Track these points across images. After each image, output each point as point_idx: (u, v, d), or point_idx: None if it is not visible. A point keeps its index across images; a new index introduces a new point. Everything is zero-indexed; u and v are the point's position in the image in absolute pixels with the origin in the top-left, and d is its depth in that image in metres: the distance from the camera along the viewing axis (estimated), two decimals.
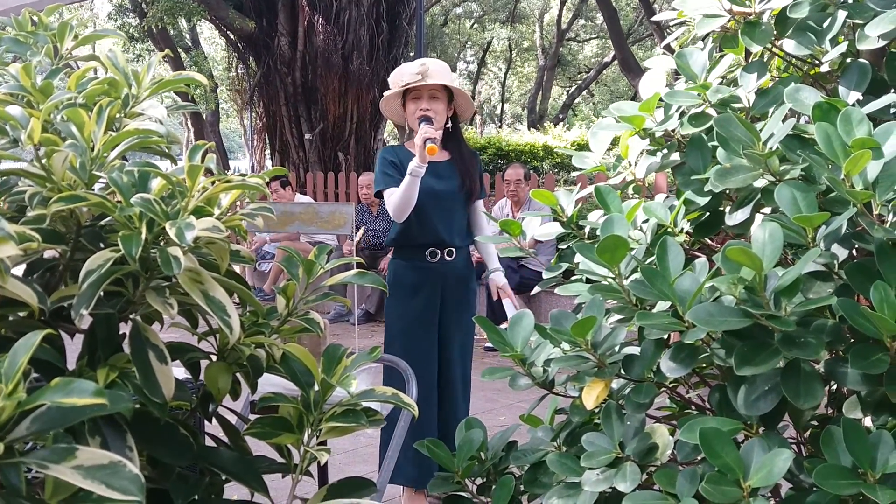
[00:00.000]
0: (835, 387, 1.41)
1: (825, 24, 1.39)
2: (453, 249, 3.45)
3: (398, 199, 3.28)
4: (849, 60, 1.41)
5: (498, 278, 3.59)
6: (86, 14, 20.45)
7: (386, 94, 3.43)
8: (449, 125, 3.44)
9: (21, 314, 1.08)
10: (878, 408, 1.20)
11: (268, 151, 13.53)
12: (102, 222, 1.15)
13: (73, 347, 1.12)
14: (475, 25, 26.42)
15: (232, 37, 13.19)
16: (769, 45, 1.46)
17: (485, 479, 1.54)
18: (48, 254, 1.15)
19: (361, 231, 8.21)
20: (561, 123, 19.53)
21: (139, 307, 1.12)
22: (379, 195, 3.45)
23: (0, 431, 0.82)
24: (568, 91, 27.66)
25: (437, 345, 3.47)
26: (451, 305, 3.47)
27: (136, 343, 1.06)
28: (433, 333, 3.45)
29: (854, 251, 1.26)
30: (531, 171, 8.87)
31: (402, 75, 3.36)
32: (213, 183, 1.13)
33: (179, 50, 16.35)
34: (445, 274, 3.45)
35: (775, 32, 1.43)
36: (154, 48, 15.26)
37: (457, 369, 3.49)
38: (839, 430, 1.12)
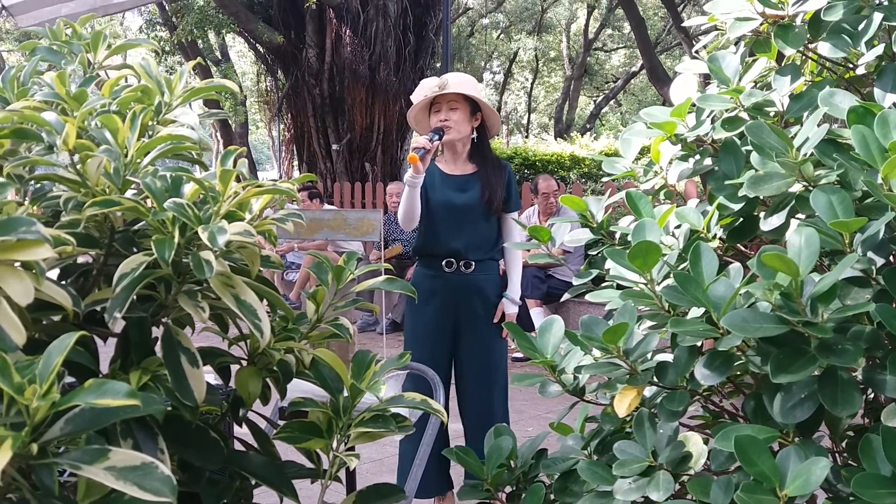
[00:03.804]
0: (872, 395, 1.38)
1: (860, 27, 1.37)
2: (472, 262, 3.40)
3: (400, 210, 3.34)
4: (884, 63, 1.39)
5: (508, 307, 3.45)
6: (118, 27, 20.76)
7: (410, 109, 3.46)
8: (475, 136, 3.43)
9: (55, 318, 1.09)
10: None
11: (295, 162, 13.63)
12: (136, 227, 1.16)
13: (106, 352, 1.13)
14: (501, 36, 26.46)
15: (261, 49, 13.33)
16: (802, 49, 1.44)
17: (514, 488, 1.53)
18: (81, 258, 1.16)
19: (398, 247, 8.25)
20: (588, 133, 19.48)
21: (171, 311, 1.12)
22: None
23: (34, 432, 0.83)
24: (595, 101, 27.59)
25: (451, 356, 3.44)
26: (468, 318, 3.40)
27: (167, 346, 1.07)
28: (444, 343, 3.42)
29: (893, 257, 1.24)
30: (559, 181, 8.86)
31: (423, 90, 3.39)
32: (244, 188, 1.13)
33: (209, 63, 16.55)
34: (460, 285, 3.41)
35: (809, 35, 1.41)
36: (184, 61, 15.45)
37: (471, 383, 3.43)
38: (878, 439, 1.10)
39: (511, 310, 3.46)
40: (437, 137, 3.25)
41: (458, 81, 3.37)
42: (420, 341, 3.43)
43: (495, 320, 3.44)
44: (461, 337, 3.43)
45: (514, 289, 3.50)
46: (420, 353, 3.37)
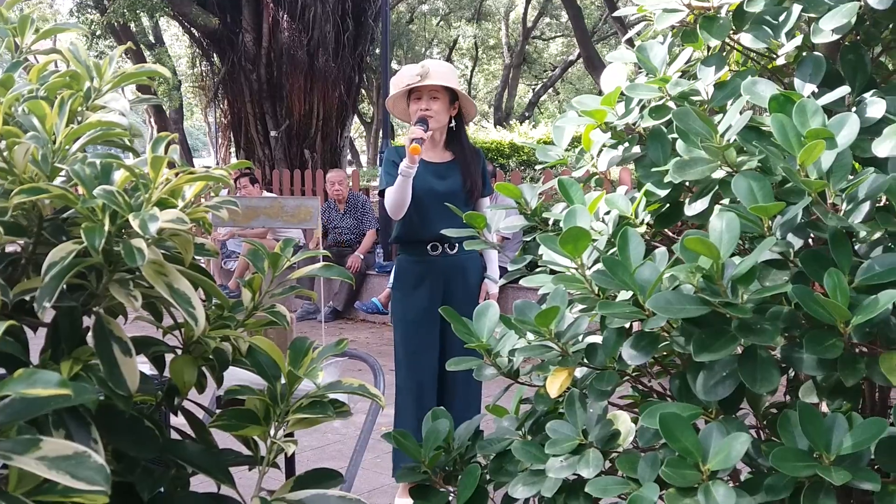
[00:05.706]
0: (793, 374, 1.44)
1: (781, 18, 1.42)
2: (455, 244, 3.49)
3: (391, 199, 3.38)
4: (804, 54, 1.44)
5: (490, 287, 3.61)
6: (47, 10, 20.12)
7: (389, 96, 3.47)
8: (453, 125, 3.48)
9: None
10: (833, 392, 1.24)
11: (233, 149, 13.43)
12: (65, 215, 1.15)
13: (37, 342, 1.11)
14: (441, 23, 26.41)
15: (196, 33, 13.06)
16: (727, 39, 1.49)
17: (451, 469, 1.56)
18: (10, 247, 1.14)
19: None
20: (527, 121, 19.61)
21: (103, 300, 1.11)
22: (382, 194, 3.48)
23: None
24: (534, 89, 27.78)
25: (440, 337, 3.50)
26: (456, 298, 3.49)
27: (99, 336, 1.06)
28: (435, 325, 3.48)
29: (810, 240, 1.30)
30: (497, 168, 8.92)
31: (403, 77, 3.40)
32: (176, 175, 1.13)
33: (142, 47, 16.16)
34: (447, 266, 3.51)
35: (733, 27, 1.46)
36: (116, 45, 15.06)
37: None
38: (795, 414, 1.15)
39: (493, 289, 3.62)
40: (425, 126, 3.30)
41: (438, 71, 3.40)
42: (414, 326, 3.49)
43: (480, 300, 3.56)
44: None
45: (494, 269, 3.67)
46: (415, 337, 3.43)
